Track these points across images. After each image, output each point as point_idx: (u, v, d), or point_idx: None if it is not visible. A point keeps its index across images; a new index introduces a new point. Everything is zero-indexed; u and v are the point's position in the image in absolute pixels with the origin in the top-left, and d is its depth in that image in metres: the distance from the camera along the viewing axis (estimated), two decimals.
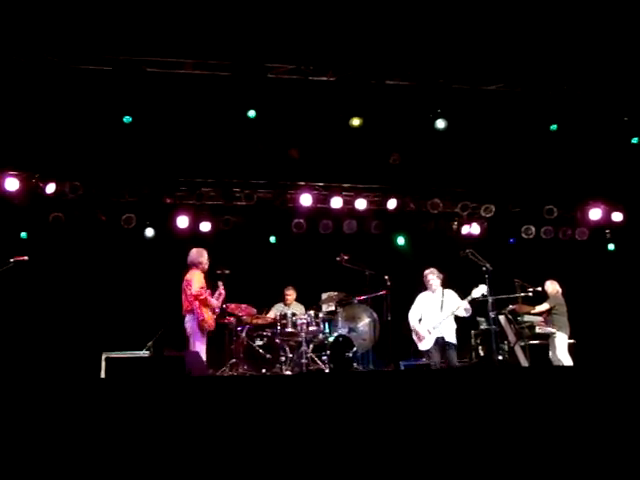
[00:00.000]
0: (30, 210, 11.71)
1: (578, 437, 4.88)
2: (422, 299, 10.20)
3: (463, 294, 9.85)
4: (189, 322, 8.93)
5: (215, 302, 9.17)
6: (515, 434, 4.86)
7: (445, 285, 10.14)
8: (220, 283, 9.44)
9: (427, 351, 9.82)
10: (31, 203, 11.63)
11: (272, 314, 11.40)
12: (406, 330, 10.47)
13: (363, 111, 10.74)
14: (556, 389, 5.26)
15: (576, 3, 9.11)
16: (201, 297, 8.89)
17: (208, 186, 12.48)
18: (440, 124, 10.81)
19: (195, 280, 9.00)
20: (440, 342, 9.78)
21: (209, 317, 8.99)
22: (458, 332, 10.01)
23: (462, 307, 9.80)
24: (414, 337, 10.05)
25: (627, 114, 11.30)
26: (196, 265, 9.21)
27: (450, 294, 10.06)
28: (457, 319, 9.96)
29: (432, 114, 10.85)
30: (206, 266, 9.33)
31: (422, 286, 10.29)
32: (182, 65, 10.07)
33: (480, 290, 9.79)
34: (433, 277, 10.10)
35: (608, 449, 4.83)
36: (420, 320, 10.01)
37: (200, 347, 8.86)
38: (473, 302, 9.88)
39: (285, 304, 11.65)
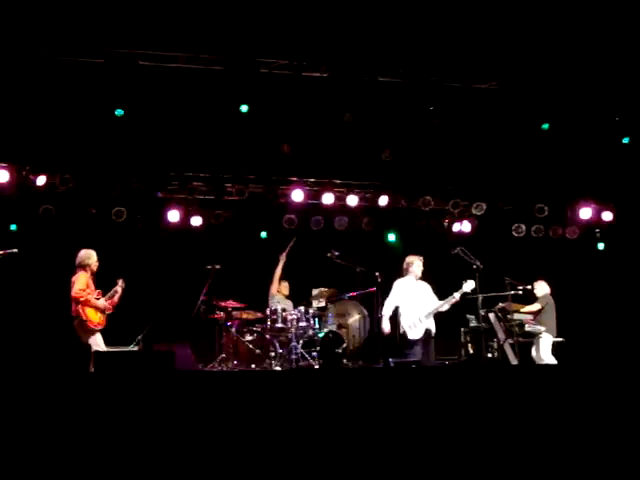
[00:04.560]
0: (20, 202, 11.64)
1: (566, 434, 4.90)
2: (403, 287, 9.91)
3: (453, 291, 9.82)
4: (76, 323, 8.83)
5: (101, 303, 8.97)
6: (504, 431, 4.88)
7: (433, 280, 10.09)
8: (119, 281, 9.29)
9: (415, 341, 9.55)
10: (21, 195, 11.56)
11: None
12: (396, 326, 10.47)
13: (355, 107, 10.74)
14: (545, 387, 5.28)
15: (569, 3, 9.14)
16: (81, 299, 8.75)
17: (199, 180, 12.43)
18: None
19: (78, 282, 8.86)
20: (428, 333, 9.61)
21: (94, 316, 8.84)
22: (447, 329, 10.00)
23: (453, 300, 9.64)
24: (383, 326, 9.72)
25: (618, 114, 11.33)
26: (83, 267, 9.03)
27: (426, 285, 9.96)
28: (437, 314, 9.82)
29: (424, 111, 10.87)
30: (95, 267, 9.12)
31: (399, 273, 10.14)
32: (175, 59, 10.06)
33: (469, 285, 9.65)
34: (420, 265, 9.93)
35: (594, 445, 4.85)
36: (398, 308, 9.74)
37: (95, 342, 8.78)
38: (462, 298, 9.83)
39: (284, 296, 11.62)
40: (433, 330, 9.70)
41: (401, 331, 9.70)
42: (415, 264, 9.96)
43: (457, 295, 9.67)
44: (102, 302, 9.01)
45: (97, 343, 8.81)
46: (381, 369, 9.16)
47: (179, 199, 12.40)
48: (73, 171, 11.67)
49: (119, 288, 9.26)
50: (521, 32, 9.64)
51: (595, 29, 9.55)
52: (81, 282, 8.87)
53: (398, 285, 9.95)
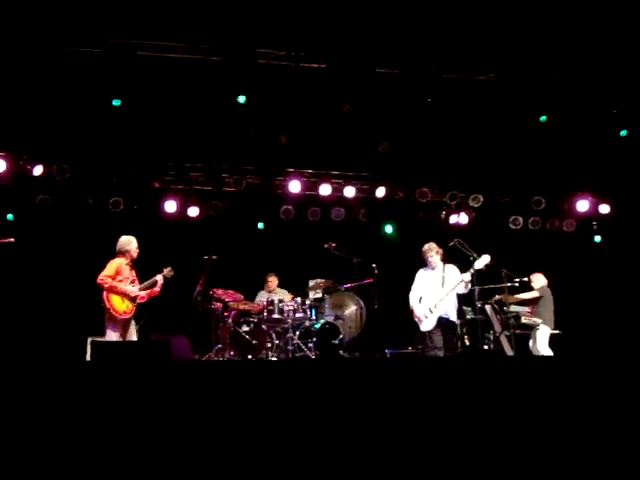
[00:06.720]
0: (17, 192, 11.63)
1: (561, 426, 4.91)
2: (421, 277, 9.78)
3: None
4: (104, 308, 8.61)
5: (130, 290, 8.68)
6: (499, 422, 4.89)
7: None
8: (165, 270, 9.04)
9: (429, 332, 9.40)
10: (18, 184, 11.55)
11: (257, 302, 11.42)
12: (393, 318, 10.49)
13: (353, 98, 10.73)
14: (541, 378, 5.29)
15: None
16: (105, 286, 8.49)
17: (197, 171, 12.43)
18: None
19: (107, 268, 8.63)
20: (443, 322, 9.39)
21: (119, 305, 8.55)
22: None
23: (463, 281, 9.37)
24: (415, 318, 9.61)
25: (616, 106, 11.33)
26: (122, 253, 8.82)
27: (451, 269, 9.62)
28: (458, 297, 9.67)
29: (422, 103, 10.87)
30: (134, 254, 8.88)
31: (420, 263, 9.94)
32: (173, 49, 10.04)
33: (483, 261, 9.45)
34: (432, 253, 9.63)
35: (589, 436, 4.87)
36: (420, 299, 9.59)
37: (111, 335, 8.52)
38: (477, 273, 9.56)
39: (268, 291, 11.68)
40: (451, 317, 9.51)
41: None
42: (427, 253, 9.72)
43: (466, 276, 9.40)
44: (131, 289, 8.70)
45: (111, 338, 8.51)
46: (377, 360, 9.17)
47: (176, 189, 12.39)
48: (70, 161, 11.67)
49: (161, 277, 8.96)
50: (520, 24, 9.63)
51: (593, 21, 9.55)
52: (110, 268, 8.64)
53: (416, 276, 9.86)
